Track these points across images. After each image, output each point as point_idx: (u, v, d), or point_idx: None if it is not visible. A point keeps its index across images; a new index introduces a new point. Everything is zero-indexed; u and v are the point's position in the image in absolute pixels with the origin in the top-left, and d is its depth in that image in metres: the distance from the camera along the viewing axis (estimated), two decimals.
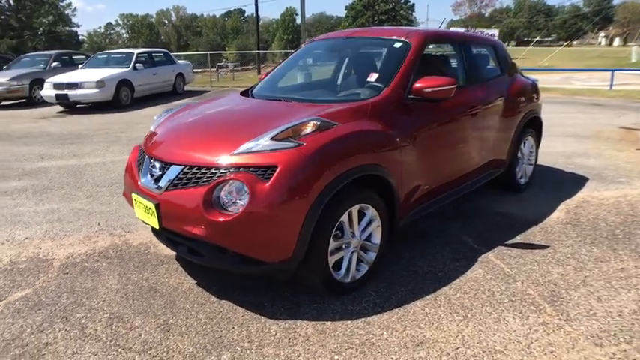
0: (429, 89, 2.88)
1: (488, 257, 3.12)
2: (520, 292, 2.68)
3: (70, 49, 53.60)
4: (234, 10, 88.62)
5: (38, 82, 11.21)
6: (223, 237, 2.33)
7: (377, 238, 2.78)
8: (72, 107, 11.04)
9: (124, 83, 10.89)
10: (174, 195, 2.44)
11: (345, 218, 2.53)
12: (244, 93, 3.55)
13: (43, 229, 3.81)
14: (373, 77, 3.08)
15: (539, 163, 5.41)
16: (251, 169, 2.31)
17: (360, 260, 2.73)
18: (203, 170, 2.40)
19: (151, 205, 2.54)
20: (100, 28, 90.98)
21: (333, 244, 2.50)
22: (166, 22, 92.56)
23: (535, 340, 2.24)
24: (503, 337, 2.27)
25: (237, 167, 2.33)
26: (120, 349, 2.27)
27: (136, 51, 12.00)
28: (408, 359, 2.14)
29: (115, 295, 2.76)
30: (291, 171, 2.29)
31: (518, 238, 3.40)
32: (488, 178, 3.92)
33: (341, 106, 2.76)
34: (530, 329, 2.32)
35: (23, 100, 11.89)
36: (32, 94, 11.59)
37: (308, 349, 2.22)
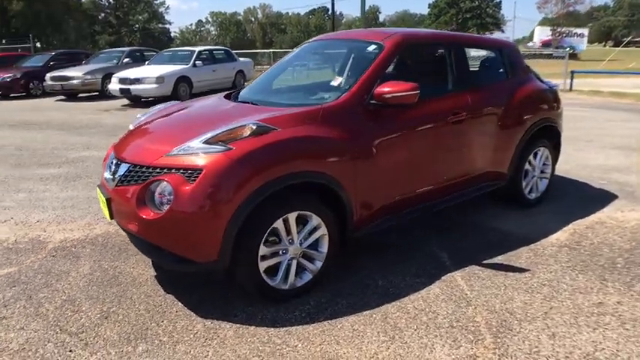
0: (390, 95, 2.74)
1: (454, 276, 2.91)
2: (467, 318, 2.47)
3: (162, 45, 57.56)
4: (319, 8, 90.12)
5: (110, 76, 12.23)
6: (152, 234, 2.42)
7: (323, 247, 2.72)
8: (136, 101, 11.92)
9: (182, 79, 11.55)
10: (120, 191, 2.57)
11: (279, 224, 2.50)
12: (228, 95, 3.61)
13: (55, 214, 4.18)
14: (337, 81, 3.00)
15: (570, 176, 4.97)
16: (181, 171, 2.36)
17: (303, 268, 2.69)
18: (143, 169, 2.49)
19: (104, 199, 2.70)
20: (191, 25, 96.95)
21: (265, 249, 2.48)
22: (253, 19, 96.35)
23: None
24: None
25: (169, 168, 2.40)
26: (57, 330, 2.44)
27: (197, 49, 12.67)
28: None
29: (81, 280, 2.97)
30: (215, 174, 2.31)
31: (499, 259, 3.13)
32: (483, 191, 3.65)
33: (289, 111, 2.71)
34: None
35: (97, 93, 13.08)
36: (104, 87, 12.68)
37: (217, 352, 2.24)
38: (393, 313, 2.52)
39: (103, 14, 61.64)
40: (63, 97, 13.40)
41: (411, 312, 2.53)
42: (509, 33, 63.18)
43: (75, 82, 12.34)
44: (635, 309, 2.52)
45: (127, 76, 11.30)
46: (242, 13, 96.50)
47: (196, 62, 12.16)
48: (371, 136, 2.80)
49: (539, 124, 3.84)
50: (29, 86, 13.53)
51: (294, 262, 2.63)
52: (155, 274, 3.03)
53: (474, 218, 3.85)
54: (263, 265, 2.51)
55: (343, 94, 2.81)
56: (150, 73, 11.18)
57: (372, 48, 3.11)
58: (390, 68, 3.16)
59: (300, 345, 2.28)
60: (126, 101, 12.26)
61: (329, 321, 2.47)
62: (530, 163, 3.91)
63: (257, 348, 2.26)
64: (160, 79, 11.04)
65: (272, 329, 2.41)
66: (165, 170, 2.40)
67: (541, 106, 3.91)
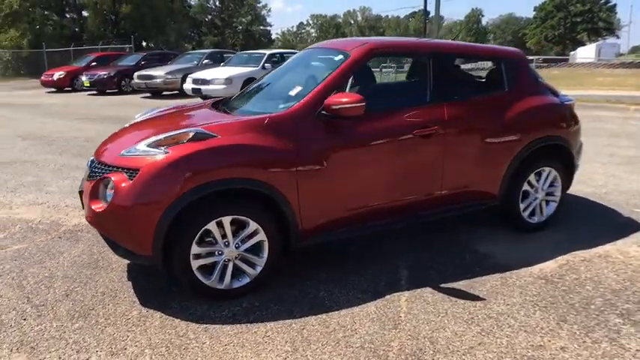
0: (336, 106, 2.73)
1: (399, 296, 2.81)
2: (383, 341, 2.38)
3: (262, 46, 60.57)
4: (419, 11, 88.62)
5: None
6: (100, 225, 2.69)
7: (264, 253, 2.79)
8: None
9: (250, 81, 12.14)
10: (86, 185, 2.88)
11: (212, 226, 2.62)
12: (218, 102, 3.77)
13: None
14: (294, 91, 3.03)
15: (599, 200, 4.49)
16: (125, 170, 2.59)
17: (242, 271, 2.78)
18: (102, 167, 2.77)
19: (79, 191, 3.04)
20: (292, 27, 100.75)
21: (198, 248, 2.62)
22: (352, 22, 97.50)
23: None
24: None
25: (117, 167, 2.64)
26: (25, 301, 2.80)
27: (268, 52, 13.26)
28: None
29: (68, 261, 3.35)
30: (149, 175, 2.50)
31: (461, 284, 2.95)
32: (465, 211, 3.44)
33: (236, 119, 2.83)
34: None
35: (177, 92, 14.22)
36: (183, 87, 13.76)
37: (135, 338, 2.42)
38: (312, 326, 2.52)
39: (209, 16, 66.52)
40: (148, 95, 14.80)
41: (331, 327, 2.51)
42: (624, 39, 56.76)
43: (157, 80, 13.57)
44: (577, 358, 2.25)
45: (200, 76, 12.18)
46: (342, 16, 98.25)
47: (265, 65, 12.71)
48: (320, 148, 2.81)
49: (541, 141, 3.52)
50: (121, 83, 15.14)
51: (231, 264, 2.74)
52: (130, 262, 3.32)
53: (460, 237, 3.64)
54: (196, 264, 2.65)
55: (295, 104, 2.85)
56: (220, 75, 11.94)
57: (338, 58, 3.10)
58: (359, 78, 3.12)
59: (207, 343, 2.38)
60: (201, 100, 13.19)
61: (248, 324, 2.54)
62: (530, 183, 3.60)
63: (169, 339, 2.41)
64: (228, 81, 11.73)
65: (194, 324, 2.54)
66: (114, 168, 2.65)
67: (546, 122, 3.58)
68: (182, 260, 2.61)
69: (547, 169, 3.63)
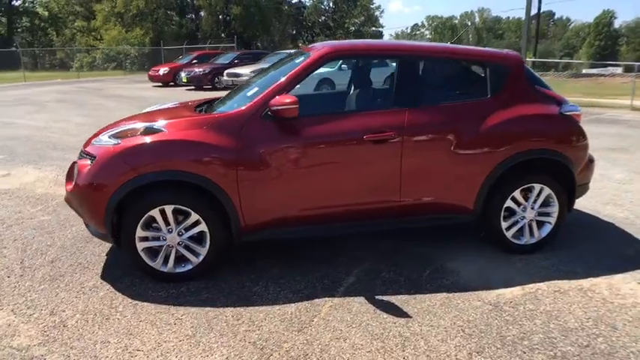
0: (273, 107, 2.81)
1: (326, 302, 2.79)
2: (275, 342, 2.42)
3: None
4: (543, 12, 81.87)
5: None
6: (69, 202, 3.09)
7: (206, 243, 2.97)
8: None
9: (324, 81, 12.39)
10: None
11: (156, 213, 2.86)
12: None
13: None
14: (251, 92, 3.14)
15: (619, 223, 3.93)
16: (89, 156, 2.95)
17: (186, 258, 2.99)
18: (81, 153, 3.17)
19: None
20: (406, 28, 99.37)
21: (143, 232, 2.89)
22: (469, 23, 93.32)
23: None
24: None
25: (86, 154, 3.01)
26: (18, 262, 3.31)
27: None
28: (119, 341, 2.42)
29: (72, 233, 3.85)
30: (101, 162, 2.84)
31: (399, 298, 2.83)
32: (435, 223, 3.28)
33: (187, 117, 3.03)
34: None
35: None
36: None
37: (76, 304, 2.75)
38: (225, 316, 2.64)
39: (323, 17, 68.44)
40: None
41: (241, 320, 2.61)
42: None
43: (243, 78, 14.45)
44: None
45: (233, 71, 13.18)
46: (458, 18, 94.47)
47: (342, 66, 12.87)
48: (264, 148, 2.90)
49: (528, 154, 3.20)
50: (215, 80, 16.36)
51: (174, 250, 2.96)
52: None
53: (434, 251, 3.44)
54: (141, 246, 2.92)
55: (245, 105, 2.97)
56: (248, 70, 12.61)
57: (299, 60, 3.14)
58: (323, 82, 3.10)
59: (128, 317, 2.63)
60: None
61: (172, 307, 2.74)
62: (515, 200, 3.28)
63: (100, 309, 2.70)
64: (253, 72, 12.26)
65: (129, 299, 2.82)
66: (85, 155, 3.03)
67: (536, 133, 3.23)
68: (128, 241, 2.89)
69: (538, 186, 3.28)
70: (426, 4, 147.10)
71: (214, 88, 16.60)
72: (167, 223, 2.91)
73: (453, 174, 3.16)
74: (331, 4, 67.65)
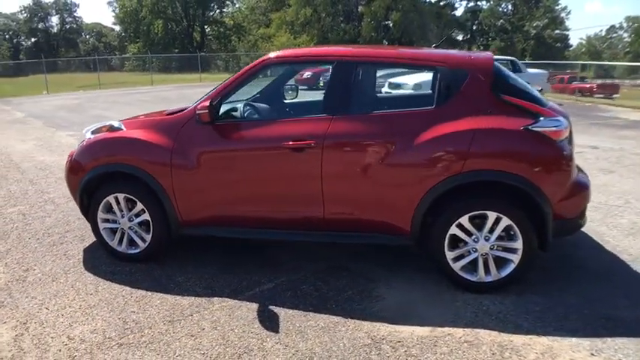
0: (197, 112, 3.01)
1: (220, 302, 2.88)
2: (118, 322, 2.61)
3: (555, 52, 54.41)
4: None
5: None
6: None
7: (150, 231, 3.32)
8: None
9: None
10: None
11: (112, 199, 3.33)
12: None
13: None
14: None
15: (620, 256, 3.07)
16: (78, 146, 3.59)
17: (134, 242, 3.39)
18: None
19: None
20: (600, 31, 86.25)
21: (102, 214, 3.39)
22: None
23: None
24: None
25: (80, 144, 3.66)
26: (22, 225, 4.18)
27: None
28: (43, 298, 2.94)
29: (72, 208, 4.56)
30: (78, 152, 3.46)
31: (292, 313, 2.74)
32: (368, 242, 3.08)
33: (145, 118, 3.40)
34: None
35: None
36: None
37: (45, 264, 3.39)
38: (122, 295, 2.97)
39: (500, 21, 63.81)
40: None
41: (131, 298, 2.90)
42: None
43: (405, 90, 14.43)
44: None
45: (393, 81, 12.56)
46: None
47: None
48: (194, 150, 3.12)
49: (476, 175, 2.73)
50: None
51: (126, 234, 3.39)
52: None
53: (375, 273, 3.18)
54: (103, 226, 3.42)
55: (188, 108, 3.22)
56: (410, 80, 12.01)
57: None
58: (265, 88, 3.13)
59: (69, 282, 3.15)
60: None
61: (103, 280, 3.16)
62: (463, 228, 2.82)
63: (55, 273, 3.28)
64: (417, 86, 11.70)
65: (82, 269, 3.34)
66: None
67: (486, 150, 2.73)
68: (93, 222, 3.44)
69: (492, 214, 2.76)
70: (625, 4, 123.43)
71: None
72: (121, 210, 3.35)
73: (382, 191, 2.89)
74: (510, 7, 62.70)
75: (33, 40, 59.39)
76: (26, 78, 28.05)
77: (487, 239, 2.82)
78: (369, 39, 35.04)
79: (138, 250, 3.40)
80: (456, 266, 2.90)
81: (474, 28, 61.30)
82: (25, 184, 5.61)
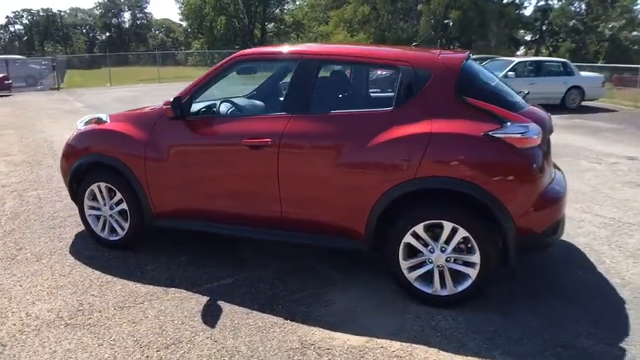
0: (164, 107, 3.08)
1: (174, 293, 2.97)
2: (76, 306, 2.74)
3: (631, 55, 50.24)
4: None
5: None
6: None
7: (128, 220, 3.47)
8: None
9: None
10: None
11: (95, 188, 3.52)
12: None
13: None
14: None
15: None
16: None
17: (115, 230, 3.57)
18: None
19: None
20: None
21: (88, 202, 3.60)
22: None
23: None
24: None
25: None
26: (18, 204, 4.49)
27: (516, 60, 11.76)
28: (22, 276, 3.19)
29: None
30: (69, 141, 3.70)
31: (240, 310, 2.78)
32: (326, 244, 3.04)
33: (128, 112, 3.56)
34: None
35: None
36: None
37: (36, 244, 3.65)
38: (90, 279, 3.13)
39: (573, 21, 60.01)
40: None
41: (97, 282, 3.05)
42: None
43: None
44: None
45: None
46: None
47: (508, 73, 11.42)
48: (164, 144, 3.24)
49: (430, 182, 2.63)
50: None
51: (108, 221, 3.57)
52: None
53: (334, 277, 3.15)
54: (89, 212, 3.64)
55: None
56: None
57: None
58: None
59: (50, 262, 3.38)
60: None
61: (80, 263, 3.37)
62: (418, 237, 2.70)
63: (42, 253, 3.53)
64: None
65: (66, 251, 3.57)
66: None
67: (444, 158, 2.60)
68: (81, 210, 3.66)
69: (448, 224, 2.63)
70: None
71: None
72: (103, 198, 3.54)
73: (337, 193, 2.84)
74: (583, 6, 58.71)
75: (107, 34, 63.65)
76: (98, 70, 30.08)
77: (443, 250, 2.69)
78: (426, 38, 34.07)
79: (118, 238, 3.57)
80: (411, 276, 2.80)
81: (544, 28, 58.03)
82: (54, 170, 6.03)
